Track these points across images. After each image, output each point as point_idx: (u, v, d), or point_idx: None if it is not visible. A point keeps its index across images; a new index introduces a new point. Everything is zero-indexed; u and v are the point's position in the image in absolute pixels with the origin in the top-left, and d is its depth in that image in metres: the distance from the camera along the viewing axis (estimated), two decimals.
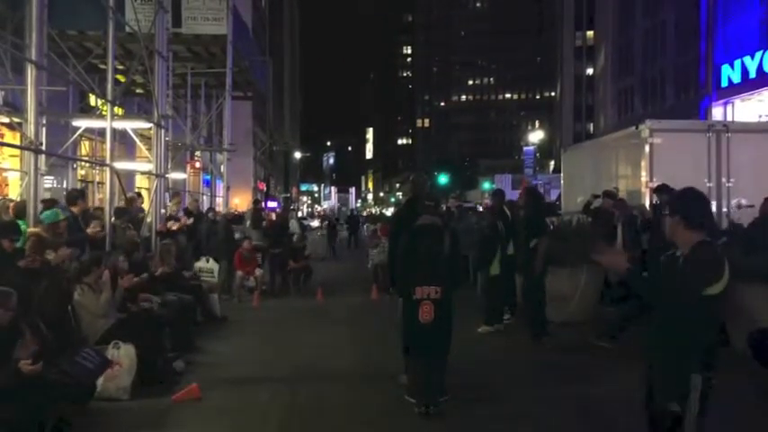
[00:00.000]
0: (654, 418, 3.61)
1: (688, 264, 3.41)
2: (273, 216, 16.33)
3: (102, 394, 6.04)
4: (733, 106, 30.60)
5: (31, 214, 7.95)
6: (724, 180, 11.98)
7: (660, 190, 10.05)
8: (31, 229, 7.31)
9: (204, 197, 22.69)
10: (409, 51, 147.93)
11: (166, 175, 13.55)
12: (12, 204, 8.76)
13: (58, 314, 6.10)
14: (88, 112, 15.61)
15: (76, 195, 9.07)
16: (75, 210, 8.58)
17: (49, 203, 8.30)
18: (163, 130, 12.59)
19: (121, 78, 13.82)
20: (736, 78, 29.82)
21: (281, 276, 14.44)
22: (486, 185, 59.61)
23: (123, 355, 6.26)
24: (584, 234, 10.48)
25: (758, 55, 28.09)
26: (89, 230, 8.60)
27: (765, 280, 7.65)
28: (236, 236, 14.26)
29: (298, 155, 79.77)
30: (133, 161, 16.68)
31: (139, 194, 13.51)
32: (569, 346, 8.49)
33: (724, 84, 31.02)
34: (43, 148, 9.57)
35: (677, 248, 3.57)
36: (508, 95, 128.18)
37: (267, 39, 53.50)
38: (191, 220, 12.61)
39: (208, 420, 5.84)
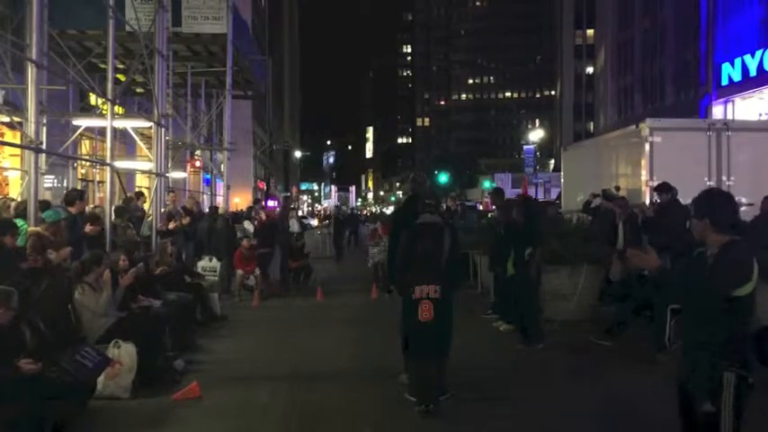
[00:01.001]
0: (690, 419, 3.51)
1: (717, 264, 3.34)
2: (264, 216, 15.39)
3: (103, 393, 6.06)
4: (733, 104, 30.62)
5: (32, 213, 7.96)
6: (724, 178, 11.99)
7: (661, 188, 10.06)
8: (32, 228, 7.33)
9: (204, 196, 22.70)
10: (409, 50, 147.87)
11: (167, 175, 13.55)
12: (13, 203, 8.78)
13: (58, 313, 6.11)
14: (88, 111, 15.63)
15: (75, 196, 9.07)
16: (73, 210, 8.59)
17: (44, 205, 8.31)
18: (163, 129, 12.59)
19: (121, 77, 13.82)
20: (737, 77, 29.82)
21: (282, 278, 14.39)
22: (487, 184, 59.57)
23: (124, 353, 6.27)
24: (584, 233, 10.49)
25: (758, 53, 28.09)
26: (86, 230, 8.61)
27: (766, 278, 7.64)
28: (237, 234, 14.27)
29: (298, 154, 79.76)
30: (133, 160, 16.69)
31: (141, 194, 13.51)
32: (569, 345, 8.49)
33: (724, 82, 31.03)
34: (43, 147, 9.58)
35: (706, 247, 3.48)
36: (508, 94, 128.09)
37: (267, 38, 53.48)
38: (187, 219, 12.60)
39: (208, 419, 5.85)
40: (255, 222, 15.29)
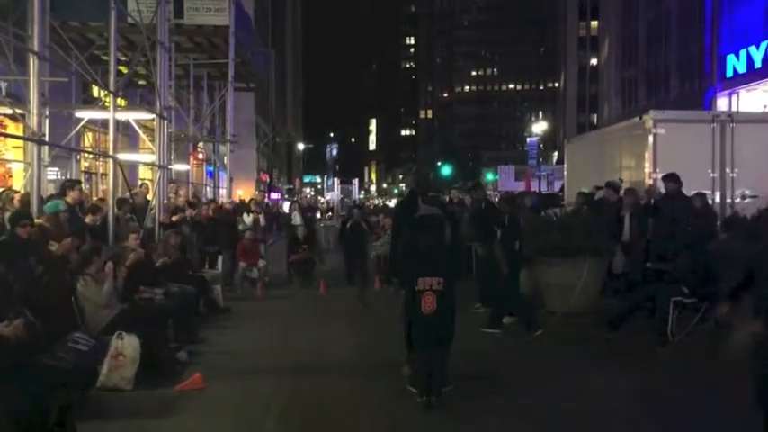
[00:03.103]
0: None
1: None
2: (210, 210, 13.37)
3: (106, 384, 6.09)
4: (738, 96, 30.43)
5: (35, 205, 7.99)
6: (728, 171, 11.95)
7: (669, 178, 10.07)
8: (36, 221, 7.36)
9: (207, 188, 22.74)
10: (412, 42, 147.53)
11: (169, 167, 13.55)
12: (17, 195, 8.81)
13: (59, 305, 6.13)
14: (91, 103, 15.63)
15: (68, 186, 9.11)
16: (68, 200, 8.61)
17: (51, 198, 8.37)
18: (165, 122, 12.59)
19: (124, 69, 13.82)
20: (741, 68, 29.64)
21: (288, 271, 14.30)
22: (490, 177, 59.52)
23: (127, 345, 6.29)
24: (587, 226, 10.45)
25: (763, 45, 27.90)
26: (87, 220, 8.63)
27: None
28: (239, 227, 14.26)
29: (301, 146, 79.66)
30: (136, 152, 16.71)
31: (142, 185, 13.52)
32: (571, 337, 8.49)
33: (729, 74, 30.85)
34: (46, 139, 9.60)
35: None
36: (511, 86, 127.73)
37: (270, 30, 53.31)
38: (190, 211, 12.60)
39: (210, 410, 5.87)
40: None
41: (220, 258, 12.44)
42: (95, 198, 12.65)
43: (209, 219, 13.02)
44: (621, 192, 11.06)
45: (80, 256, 6.90)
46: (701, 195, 10.66)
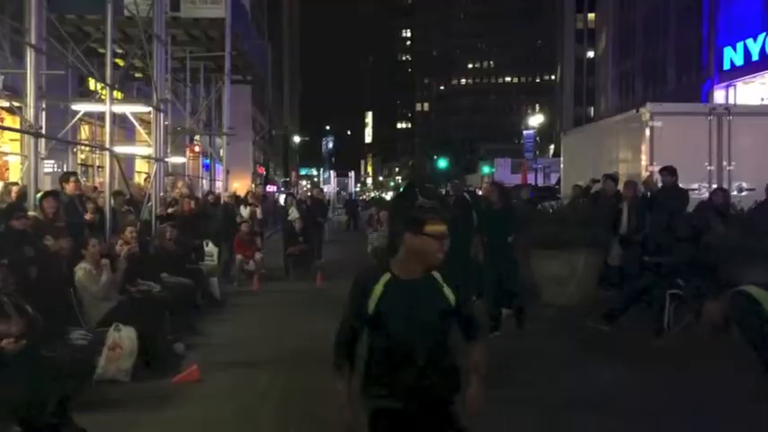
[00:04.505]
0: None
1: None
2: (191, 203, 12.74)
3: (104, 376, 6.11)
4: (735, 89, 30.44)
5: (32, 198, 7.99)
6: (725, 163, 11.98)
7: (666, 171, 10.09)
8: (30, 213, 7.37)
9: (203, 181, 22.71)
10: (409, 35, 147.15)
11: (166, 160, 13.54)
12: (15, 188, 8.81)
13: (58, 297, 6.14)
14: (87, 96, 15.58)
15: (63, 178, 9.11)
16: (67, 191, 8.61)
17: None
18: (162, 114, 12.57)
19: (120, 62, 13.79)
20: (739, 61, 29.65)
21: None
22: (486, 169, 59.53)
23: (124, 337, 6.30)
24: (584, 218, 10.49)
25: (761, 37, 27.91)
26: (86, 217, 8.64)
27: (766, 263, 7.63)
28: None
29: (297, 139, 79.49)
30: (133, 145, 16.66)
31: (146, 178, 13.49)
32: (568, 329, 8.51)
33: (726, 66, 30.85)
34: (43, 131, 9.58)
35: None
36: (508, 79, 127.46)
37: (266, 22, 53.15)
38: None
39: (207, 402, 5.89)
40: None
41: (209, 250, 12.38)
42: (97, 191, 12.61)
43: (191, 212, 12.57)
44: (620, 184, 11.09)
45: (71, 249, 6.90)
46: (723, 191, 10.70)
